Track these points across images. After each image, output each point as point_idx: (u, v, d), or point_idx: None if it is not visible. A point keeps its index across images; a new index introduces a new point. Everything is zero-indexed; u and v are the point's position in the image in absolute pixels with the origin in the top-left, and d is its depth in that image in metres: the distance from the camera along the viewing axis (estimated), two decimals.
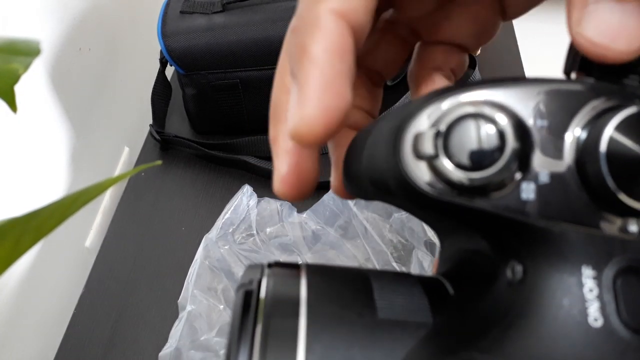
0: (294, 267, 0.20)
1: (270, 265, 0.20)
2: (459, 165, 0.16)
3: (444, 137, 0.16)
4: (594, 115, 0.16)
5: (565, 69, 0.19)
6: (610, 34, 0.16)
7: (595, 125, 0.16)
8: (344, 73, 0.18)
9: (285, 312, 0.18)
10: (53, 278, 0.65)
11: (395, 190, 0.18)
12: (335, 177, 0.25)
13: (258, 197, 0.64)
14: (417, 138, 0.17)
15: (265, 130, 0.82)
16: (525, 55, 0.80)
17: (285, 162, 0.22)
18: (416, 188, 0.17)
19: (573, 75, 0.18)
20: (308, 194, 0.23)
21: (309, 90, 0.17)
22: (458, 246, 0.21)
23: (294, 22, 0.19)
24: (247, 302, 0.19)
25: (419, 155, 0.17)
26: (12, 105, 0.26)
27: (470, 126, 0.16)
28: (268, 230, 0.62)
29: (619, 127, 0.15)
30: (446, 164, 0.16)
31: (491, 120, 0.16)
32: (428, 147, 0.17)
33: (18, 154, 0.58)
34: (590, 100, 0.16)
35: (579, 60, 0.18)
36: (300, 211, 0.62)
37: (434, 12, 0.24)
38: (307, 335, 0.17)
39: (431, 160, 0.17)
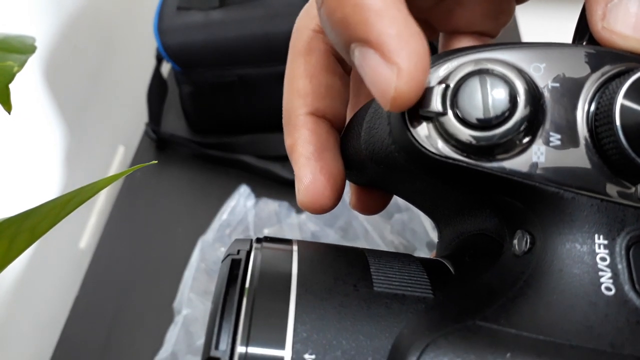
0: (285, 242, 0.20)
1: (259, 240, 0.20)
2: (467, 124, 0.16)
3: (453, 93, 0.16)
4: (605, 79, 0.16)
5: (575, 40, 0.19)
6: None
7: (607, 91, 0.15)
8: (409, 16, 0.16)
9: (274, 282, 0.17)
10: (47, 280, 0.64)
11: (398, 159, 0.18)
12: (352, 192, 0.24)
13: (256, 197, 0.63)
14: (425, 94, 0.16)
15: (263, 129, 0.80)
16: None
17: (307, 169, 0.21)
18: (423, 150, 0.16)
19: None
20: (337, 201, 0.21)
21: (392, 42, 0.15)
22: (459, 232, 0.21)
23: None
24: (234, 270, 0.18)
25: (426, 113, 0.16)
26: (7, 104, 0.25)
27: (480, 82, 0.16)
28: (266, 231, 0.61)
29: (631, 93, 0.15)
30: (454, 122, 0.16)
31: (503, 78, 0.16)
32: (436, 103, 0.16)
33: (11, 153, 0.57)
34: (602, 65, 0.16)
35: (588, 33, 0.17)
36: (299, 212, 0.61)
37: (443, 0, 0.23)
38: (296, 305, 0.16)
39: (438, 118, 0.16)
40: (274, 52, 0.65)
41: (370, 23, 0.15)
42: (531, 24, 0.86)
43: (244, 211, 0.62)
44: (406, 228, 0.59)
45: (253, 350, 0.16)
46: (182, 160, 0.74)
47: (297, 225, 0.60)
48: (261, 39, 0.66)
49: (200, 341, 0.52)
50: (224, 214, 0.62)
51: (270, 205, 0.62)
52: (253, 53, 0.66)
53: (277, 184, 0.66)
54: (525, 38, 0.80)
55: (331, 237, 0.59)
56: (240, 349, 0.16)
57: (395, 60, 0.15)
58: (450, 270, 0.19)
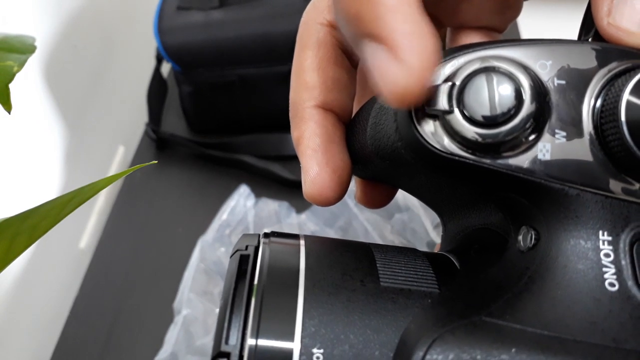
0: (293, 237, 0.20)
1: (267, 235, 0.20)
2: (473, 122, 0.16)
3: (459, 91, 0.16)
4: (611, 76, 0.16)
5: (580, 36, 0.19)
6: None
7: (613, 88, 0.16)
8: (423, 12, 0.16)
9: (283, 276, 0.18)
10: (47, 280, 0.64)
11: (405, 155, 0.18)
12: (357, 186, 0.24)
13: (256, 197, 0.63)
14: (432, 92, 0.16)
15: (263, 129, 0.80)
16: None
17: (314, 161, 0.21)
18: (429, 147, 0.16)
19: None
20: (343, 194, 0.21)
21: (403, 39, 0.15)
22: (463, 225, 0.21)
23: None
24: (243, 265, 0.18)
25: (432, 111, 0.16)
26: (7, 104, 0.25)
27: (486, 80, 0.16)
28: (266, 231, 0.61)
29: (637, 90, 0.15)
30: (461, 120, 0.16)
31: (509, 76, 0.16)
32: (442, 102, 0.16)
33: (11, 153, 0.57)
34: (608, 62, 0.16)
35: (593, 29, 0.17)
36: (299, 212, 0.61)
37: None
38: (304, 300, 0.17)
39: (445, 116, 0.16)
40: (274, 52, 0.65)
41: (383, 19, 0.15)
42: (531, 22, 0.86)
43: (244, 211, 0.62)
44: (406, 228, 0.59)
45: (262, 343, 0.16)
46: (182, 160, 0.74)
47: (297, 225, 0.60)
48: (261, 39, 0.65)
49: (200, 341, 0.52)
50: (223, 214, 0.61)
51: (270, 205, 0.62)
52: (253, 53, 0.66)
53: (277, 184, 0.66)
54: (524, 35, 0.80)
55: (331, 237, 0.59)
56: (250, 341, 0.16)
57: (404, 57, 0.15)
58: (456, 265, 0.20)
